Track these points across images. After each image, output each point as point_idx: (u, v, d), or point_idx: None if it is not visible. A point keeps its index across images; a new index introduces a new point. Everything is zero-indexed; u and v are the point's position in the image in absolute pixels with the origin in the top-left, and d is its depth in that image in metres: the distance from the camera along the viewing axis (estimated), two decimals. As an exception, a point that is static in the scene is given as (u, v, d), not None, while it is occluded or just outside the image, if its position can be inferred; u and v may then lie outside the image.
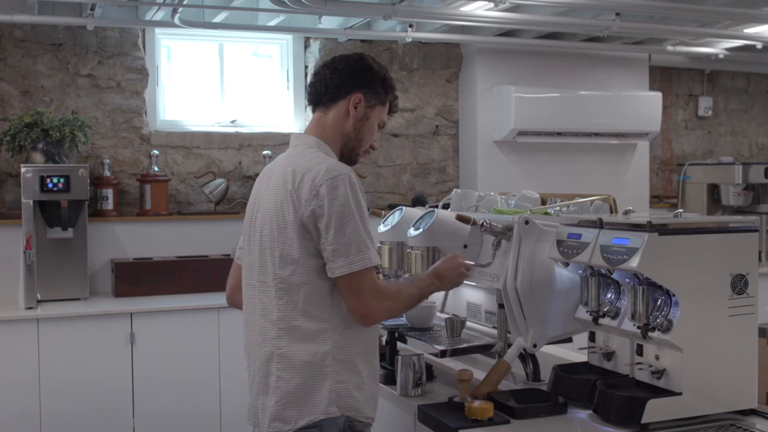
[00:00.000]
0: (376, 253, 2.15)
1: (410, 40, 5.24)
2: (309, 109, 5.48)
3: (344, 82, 2.26)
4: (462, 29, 5.36)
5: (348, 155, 2.31)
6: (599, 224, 2.23)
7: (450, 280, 2.38)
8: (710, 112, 6.75)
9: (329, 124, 2.27)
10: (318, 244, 2.11)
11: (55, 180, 4.39)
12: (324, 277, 2.12)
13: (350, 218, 2.09)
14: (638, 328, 2.13)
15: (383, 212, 3.11)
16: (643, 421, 2.06)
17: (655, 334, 2.10)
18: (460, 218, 2.55)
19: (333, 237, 2.08)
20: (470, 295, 2.85)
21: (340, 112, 2.27)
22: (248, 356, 2.28)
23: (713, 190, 6.25)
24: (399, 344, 2.79)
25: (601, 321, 2.27)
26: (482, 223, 2.47)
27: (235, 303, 2.45)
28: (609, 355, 2.36)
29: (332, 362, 2.12)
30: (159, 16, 4.72)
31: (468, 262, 2.44)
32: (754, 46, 5.67)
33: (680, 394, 2.10)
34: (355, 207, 2.10)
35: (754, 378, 2.19)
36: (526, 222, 2.44)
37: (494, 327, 2.65)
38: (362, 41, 5.51)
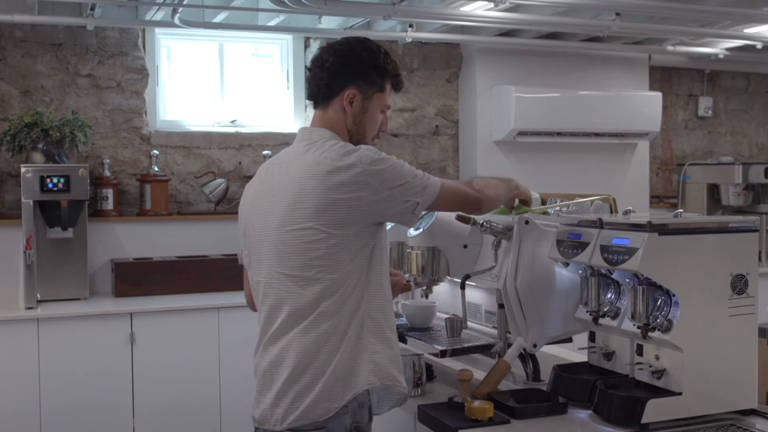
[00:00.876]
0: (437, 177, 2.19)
1: (410, 40, 5.24)
2: (310, 105, 5.52)
3: (334, 79, 2.20)
4: (462, 29, 5.36)
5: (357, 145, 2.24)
6: (599, 224, 2.23)
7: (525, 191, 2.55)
8: (710, 112, 6.75)
9: (333, 121, 2.23)
10: (392, 212, 2.10)
11: (55, 180, 4.39)
12: (352, 253, 2.07)
13: (397, 170, 2.09)
14: (638, 328, 2.13)
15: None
16: (643, 421, 2.06)
17: (655, 334, 2.10)
18: (460, 218, 2.55)
19: (401, 189, 2.08)
20: (470, 295, 2.84)
21: (337, 110, 2.22)
22: (263, 353, 2.18)
23: (713, 190, 6.25)
24: (399, 344, 2.79)
25: (601, 321, 2.27)
26: (482, 223, 2.47)
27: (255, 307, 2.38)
28: (609, 355, 2.36)
29: (367, 334, 2.10)
30: (159, 16, 4.72)
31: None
32: (754, 46, 5.67)
33: (680, 394, 2.10)
34: (389, 162, 2.09)
35: (754, 378, 2.19)
36: (526, 222, 2.44)
37: (494, 327, 2.65)
38: (362, 41, 5.50)
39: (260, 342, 2.19)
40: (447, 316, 2.74)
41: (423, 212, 2.25)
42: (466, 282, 2.51)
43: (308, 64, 2.28)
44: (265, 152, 5.22)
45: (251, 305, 2.36)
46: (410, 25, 5.13)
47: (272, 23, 5.03)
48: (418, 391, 2.49)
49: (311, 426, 2.08)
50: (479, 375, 2.44)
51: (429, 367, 2.62)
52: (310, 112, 5.54)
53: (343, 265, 2.08)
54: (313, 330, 2.08)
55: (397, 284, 2.48)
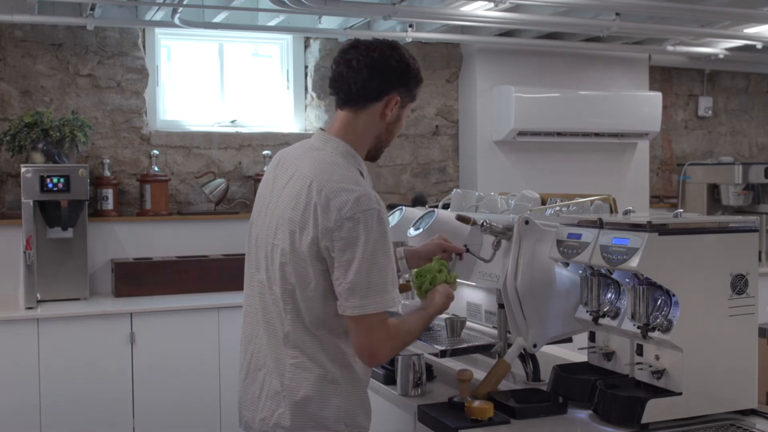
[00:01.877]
0: (397, 295, 2.02)
1: (410, 40, 5.24)
2: (311, 105, 5.53)
3: (384, 83, 2.08)
4: (462, 29, 5.36)
5: (375, 153, 2.20)
6: (599, 224, 2.23)
7: (440, 308, 2.27)
8: (710, 112, 6.75)
9: (361, 126, 2.12)
10: (332, 273, 1.99)
11: (55, 180, 4.39)
12: (332, 297, 2.02)
13: (376, 259, 1.95)
14: (638, 328, 2.13)
15: (383, 212, 3.11)
16: (643, 421, 2.06)
17: (655, 334, 2.10)
18: (460, 218, 2.55)
19: (354, 275, 1.95)
20: (470, 295, 2.85)
21: (375, 114, 2.11)
22: (245, 351, 2.20)
23: (713, 190, 6.25)
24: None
25: (601, 321, 2.27)
26: (482, 223, 2.47)
27: None
28: (609, 355, 2.36)
29: (341, 377, 2.07)
30: (159, 16, 4.72)
31: (450, 294, 2.32)
32: (754, 46, 5.67)
33: (680, 394, 2.10)
34: (382, 247, 1.96)
35: (754, 378, 2.19)
36: (526, 222, 2.44)
37: (494, 327, 2.65)
38: (362, 41, 5.50)
39: None
40: (447, 316, 2.74)
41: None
42: (466, 282, 2.51)
43: (341, 57, 2.11)
44: (265, 152, 5.22)
45: None
46: (410, 25, 5.13)
47: (272, 23, 5.03)
48: (418, 391, 2.50)
49: None
50: (479, 375, 2.44)
51: (429, 367, 2.63)
52: (310, 112, 5.54)
53: None
54: None
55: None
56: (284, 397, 2.07)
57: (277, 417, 2.08)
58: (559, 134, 5.68)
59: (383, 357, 2.05)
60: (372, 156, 2.21)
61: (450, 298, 2.30)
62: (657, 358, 2.17)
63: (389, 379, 2.59)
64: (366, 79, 2.07)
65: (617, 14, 4.81)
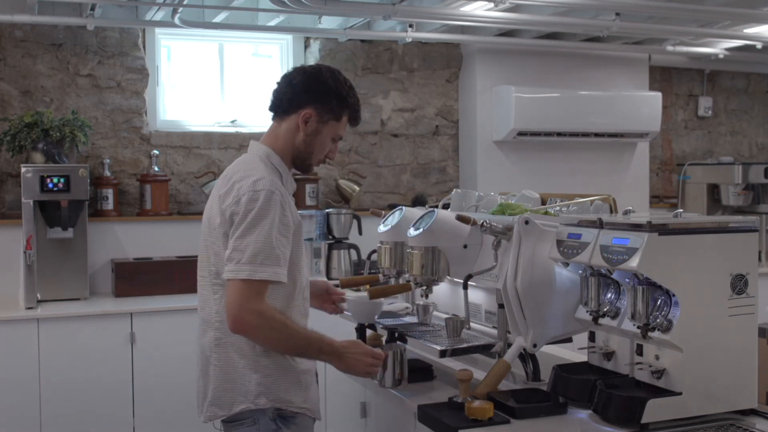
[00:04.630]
0: (277, 272, 2.15)
1: (410, 40, 5.24)
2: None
3: (296, 96, 2.32)
4: (462, 29, 5.36)
5: (300, 165, 2.38)
6: (599, 224, 2.23)
7: (349, 363, 2.28)
8: (710, 112, 6.75)
9: (281, 135, 2.35)
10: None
11: (55, 180, 4.39)
12: None
13: (258, 227, 2.14)
14: (638, 328, 2.13)
15: (383, 212, 3.11)
16: (643, 421, 2.06)
17: (655, 334, 2.11)
18: (460, 218, 2.55)
19: (235, 240, 2.15)
20: (470, 295, 2.84)
21: (291, 125, 2.34)
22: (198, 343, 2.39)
23: (713, 190, 6.25)
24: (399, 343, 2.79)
25: (601, 321, 2.27)
26: (482, 223, 2.47)
27: None
28: (609, 355, 2.36)
29: (262, 356, 2.21)
30: (159, 16, 4.73)
31: (377, 354, 2.33)
32: (754, 46, 5.67)
33: (680, 394, 2.10)
34: (268, 219, 2.14)
35: (754, 378, 2.19)
36: (526, 222, 2.44)
37: (494, 327, 2.65)
38: (362, 41, 5.51)
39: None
40: (447, 316, 2.74)
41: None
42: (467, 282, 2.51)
43: (278, 79, 2.41)
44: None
45: None
46: (410, 25, 5.13)
47: (272, 23, 5.03)
48: (398, 384, 2.50)
49: None
50: (479, 375, 2.44)
51: (429, 367, 2.62)
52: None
53: None
54: None
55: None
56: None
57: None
58: (559, 134, 5.68)
59: (248, 327, 2.15)
60: (298, 166, 2.39)
61: (367, 357, 2.30)
62: (657, 358, 2.17)
63: (389, 379, 2.59)
64: (283, 93, 2.35)
65: (617, 14, 4.81)
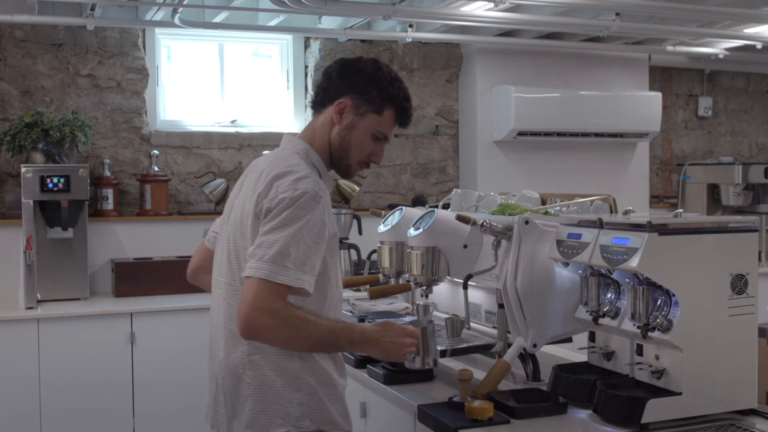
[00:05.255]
0: (301, 278, 1.90)
1: (410, 40, 5.25)
2: (310, 110, 5.52)
3: (331, 86, 2.14)
4: (462, 29, 5.36)
5: (338, 165, 2.18)
6: (599, 224, 2.23)
7: (387, 349, 2.08)
8: (710, 112, 6.75)
9: (318, 129, 2.16)
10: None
11: (55, 180, 4.39)
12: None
13: (291, 226, 1.92)
14: (638, 328, 2.13)
15: (383, 212, 3.11)
16: (643, 421, 2.06)
17: (655, 334, 2.10)
18: (460, 218, 2.55)
19: (262, 235, 1.94)
20: (470, 295, 2.84)
21: (327, 118, 2.14)
22: (212, 356, 2.18)
23: (713, 190, 6.25)
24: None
25: (601, 321, 2.27)
26: (482, 223, 2.47)
27: (197, 282, 2.40)
28: (609, 355, 2.36)
29: (304, 372, 2.01)
30: (159, 16, 4.73)
31: (413, 333, 2.13)
32: (754, 46, 5.67)
33: (680, 394, 2.10)
34: (303, 221, 1.92)
35: (754, 378, 2.19)
36: (526, 222, 2.44)
37: (494, 327, 2.65)
38: (362, 41, 5.51)
39: None
40: (447, 316, 2.74)
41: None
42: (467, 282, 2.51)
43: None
44: (265, 152, 5.20)
45: (192, 278, 2.42)
46: (410, 25, 5.13)
47: (272, 23, 5.03)
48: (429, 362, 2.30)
49: None
50: (479, 375, 2.44)
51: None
52: (310, 112, 5.54)
53: None
54: None
55: None
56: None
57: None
58: (559, 134, 5.68)
59: (258, 329, 1.90)
60: (336, 166, 2.18)
61: (405, 345, 2.10)
62: (657, 358, 2.17)
63: (389, 379, 2.59)
64: (320, 85, 2.18)
65: (617, 14, 4.81)
